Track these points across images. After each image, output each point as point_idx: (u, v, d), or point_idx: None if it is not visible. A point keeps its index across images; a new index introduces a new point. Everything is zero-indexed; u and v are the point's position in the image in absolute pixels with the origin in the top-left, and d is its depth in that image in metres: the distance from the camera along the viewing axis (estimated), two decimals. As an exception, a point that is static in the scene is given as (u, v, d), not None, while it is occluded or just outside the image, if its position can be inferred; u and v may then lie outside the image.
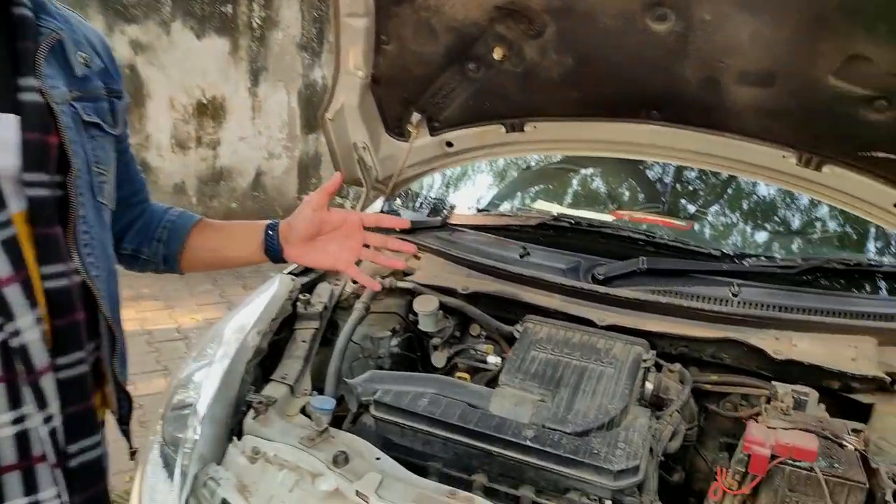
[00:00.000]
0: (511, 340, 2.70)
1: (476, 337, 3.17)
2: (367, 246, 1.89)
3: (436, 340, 3.08)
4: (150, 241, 1.68)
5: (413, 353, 3.16)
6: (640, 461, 1.94)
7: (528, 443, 2.01)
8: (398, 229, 2.65)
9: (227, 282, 7.72)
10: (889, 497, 1.87)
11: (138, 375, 5.34)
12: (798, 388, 2.47)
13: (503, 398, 2.20)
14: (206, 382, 2.26)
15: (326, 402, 2.21)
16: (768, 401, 2.62)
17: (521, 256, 2.77)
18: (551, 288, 2.69)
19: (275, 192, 9.14)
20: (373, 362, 2.94)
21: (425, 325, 2.93)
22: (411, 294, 3.03)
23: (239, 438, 2.06)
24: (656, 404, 2.48)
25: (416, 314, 2.87)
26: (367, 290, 2.91)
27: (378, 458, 2.00)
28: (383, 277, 3.00)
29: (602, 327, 2.58)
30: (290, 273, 3.12)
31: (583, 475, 1.95)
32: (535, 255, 2.79)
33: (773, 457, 1.94)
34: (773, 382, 2.41)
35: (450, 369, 3.03)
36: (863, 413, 2.44)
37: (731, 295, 2.48)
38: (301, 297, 2.70)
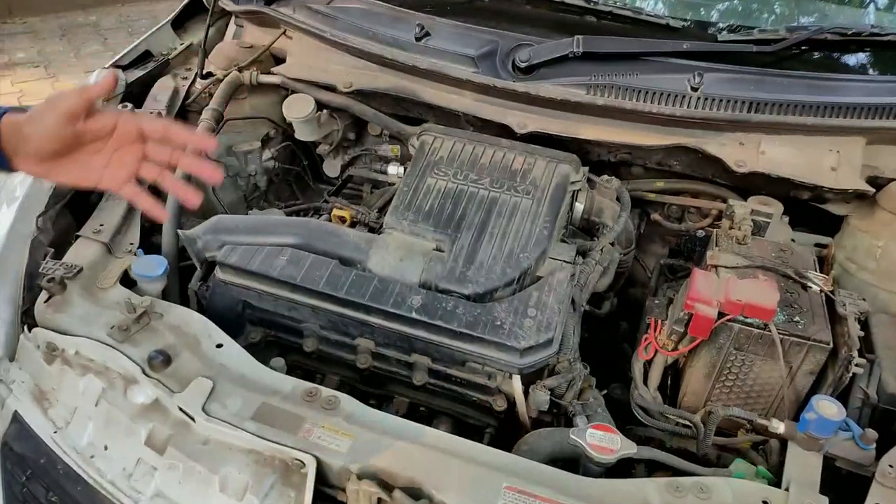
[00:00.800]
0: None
1: (378, 136, 2.56)
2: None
3: (323, 148, 2.47)
4: None
5: (296, 166, 2.55)
6: (552, 332, 1.52)
7: (414, 314, 1.55)
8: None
9: (119, 40, 6.57)
10: (854, 355, 1.52)
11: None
12: (760, 201, 2.01)
13: (387, 249, 1.69)
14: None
15: (154, 265, 1.67)
16: (719, 217, 2.20)
17: (419, 38, 2.04)
18: (458, 83, 2.02)
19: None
20: (242, 182, 2.35)
21: (303, 133, 2.29)
22: (284, 90, 2.33)
23: (30, 329, 1.55)
24: (587, 229, 2.02)
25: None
26: (221, 87, 2.20)
27: (220, 346, 1.53)
28: (241, 69, 2.26)
29: (521, 137, 1.99)
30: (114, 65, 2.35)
31: (482, 352, 1.54)
32: (438, 35, 2.05)
33: (720, 314, 1.54)
34: (731, 201, 1.94)
35: (347, 181, 2.48)
36: (832, 224, 2.04)
37: (689, 88, 1.86)
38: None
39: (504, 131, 2.03)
